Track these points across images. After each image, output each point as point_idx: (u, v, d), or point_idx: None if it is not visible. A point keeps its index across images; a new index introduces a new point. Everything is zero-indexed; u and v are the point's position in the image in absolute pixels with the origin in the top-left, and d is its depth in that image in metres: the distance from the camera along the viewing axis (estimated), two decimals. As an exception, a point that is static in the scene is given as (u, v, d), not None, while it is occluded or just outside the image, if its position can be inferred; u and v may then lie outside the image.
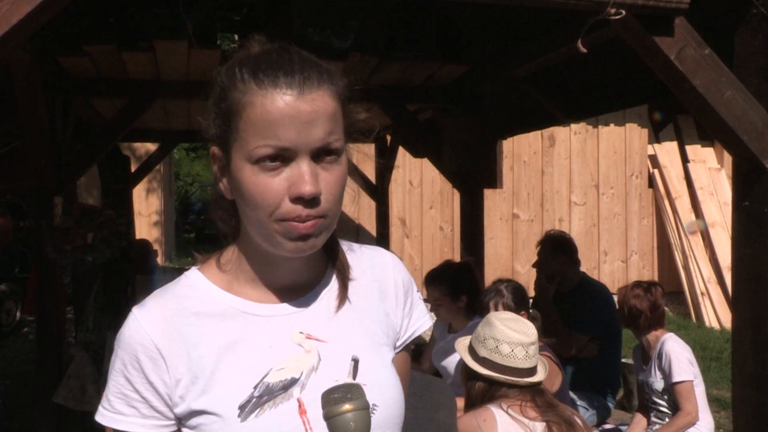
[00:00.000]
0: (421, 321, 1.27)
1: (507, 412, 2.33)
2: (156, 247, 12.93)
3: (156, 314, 1.08)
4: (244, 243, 1.13)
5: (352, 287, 1.18)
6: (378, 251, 1.27)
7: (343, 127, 1.07)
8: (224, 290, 1.12)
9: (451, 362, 3.63)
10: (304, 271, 1.14)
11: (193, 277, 1.14)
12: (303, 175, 1.01)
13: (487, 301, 3.52)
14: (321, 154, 1.02)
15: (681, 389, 3.63)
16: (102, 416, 1.10)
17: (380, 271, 1.23)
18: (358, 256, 1.23)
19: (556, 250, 4.72)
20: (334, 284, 1.17)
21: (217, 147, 1.08)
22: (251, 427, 1.03)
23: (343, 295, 1.16)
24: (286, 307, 1.12)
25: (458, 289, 3.66)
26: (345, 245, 1.22)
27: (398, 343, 1.23)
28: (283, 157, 1.01)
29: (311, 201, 1.01)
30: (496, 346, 2.44)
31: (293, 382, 1.07)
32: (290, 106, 1.00)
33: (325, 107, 1.02)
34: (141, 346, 1.06)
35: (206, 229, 19.66)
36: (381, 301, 1.21)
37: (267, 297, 1.12)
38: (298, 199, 1.01)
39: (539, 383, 2.44)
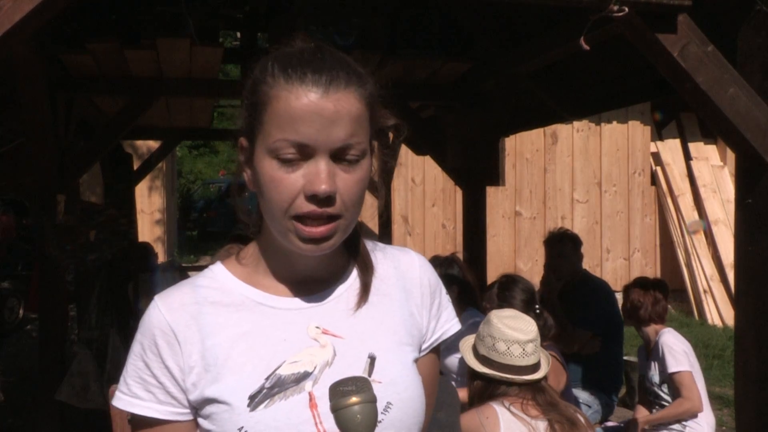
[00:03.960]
0: (450, 324, 1.26)
1: (509, 410, 2.32)
2: (159, 245, 12.96)
3: (174, 302, 1.10)
4: (266, 236, 1.14)
5: (375, 285, 1.18)
6: (404, 251, 1.26)
7: (370, 130, 1.07)
8: (243, 282, 1.13)
9: (448, 356, 3.63)
10: (322, 266, 1.15)
11: (216, 269, 1.16)
12: (319, 173, 1.01)
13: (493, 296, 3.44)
14: (341, 155, 1.03)
15: (680, 379, 3.65)
16: (120, 400, 1.10)
17: (405, 271, 1.22)
18: (383, 256, 1.23)
19: (576, 248, 4.72)
20: (354, 281, 1.17)
21: (245, 138, 1.10)
22: (259, 418, 1.03)
23: (363, 292, 1.16)
24: (303, 301, 1.13)
25: (450, 278, 3.68)
26: (370, 244, 1.23)
27: (424, 346, 1.22)
28: (302, 153, 1.02)
29: (326, 200, 1.02)
30: (493, 344, 2.45)
31: (306, 375, 1.07)
32: (314, 104, 1.00)
33: (349, 108, 1.02)
34: (159, 330, 1.08)
35: (209, 227, 19.69)
36: (405, 300, 1.20)
37: (284, 290, 1.13)
38: (312, 197, 1.02)
39: (539, 380, 2.44)
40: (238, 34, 6.57)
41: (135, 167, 8.09)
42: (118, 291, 5.43)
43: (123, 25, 3.79)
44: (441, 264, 3.83)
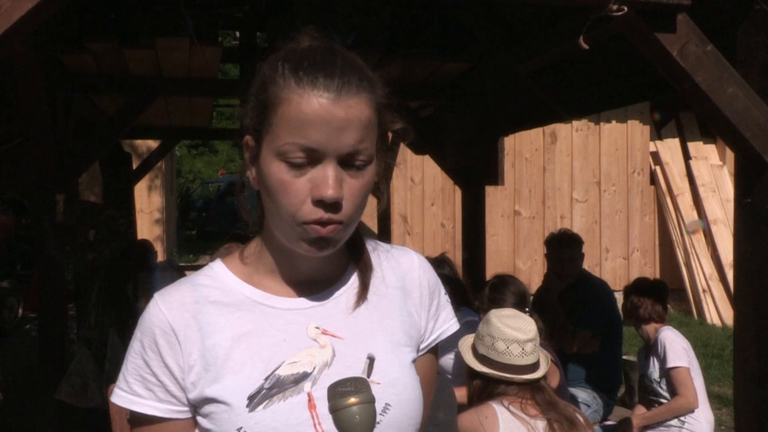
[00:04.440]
0: (448, 324, 1.26)
1: (508, 409, 2.32)
2: (158, 244, 12.97)
3: (174, 300, 1.10)
4: (267, 235, 1.14)
5: (374, 286, 1.18)
6: (404, 251, 1.26)
7: (378, 135, 1.07)
8: (243, 281, 1.13)
9: (442, 355, 3.64)
10: (324, 267, 1.14)
11: (216, 267, 1.16)
12: (327, 179, 1.01)
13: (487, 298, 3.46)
14: (349, 161, 1.03)
15: (676, 375, 3.67)
16: (119, 397, 1.10)
17: (405, 271, 1.22)
18: (383, 256, 1.23)
19: (581, 250, 4.73)
20: (354, 281, 1.17)
21: (251, 137, 1.09)
22: (258, 418, 1.03)
23: (362, 293, 1.16)
24: (303, 302, 1.13)
25: (442, 278, 3.69)
26: (371, 244, 1.22)
27: (422, 346, 1.22)
28: (310, 158, 1.01)
29: (333, 205, 1.02)
30: (492, 343, 2.45)
31: (305, 376, 1.07)
32: (324, 109, 0.99)
33: (359, 115, 1.02)
34: (159, 329, 1.08)
35: (208, 226, 19.69)
36: (404, 301, 1.20)
37: (285, 290, 1.13)
38: (319, 202, 1.02)
39: (538, 380, 2.44)
40: (237, 34, 6.57)
41: (134, 166, 8.09)
42: (118, 290, 5.44)
43: (122, 25, 3.79)
44: (433, 263, 3.84)
